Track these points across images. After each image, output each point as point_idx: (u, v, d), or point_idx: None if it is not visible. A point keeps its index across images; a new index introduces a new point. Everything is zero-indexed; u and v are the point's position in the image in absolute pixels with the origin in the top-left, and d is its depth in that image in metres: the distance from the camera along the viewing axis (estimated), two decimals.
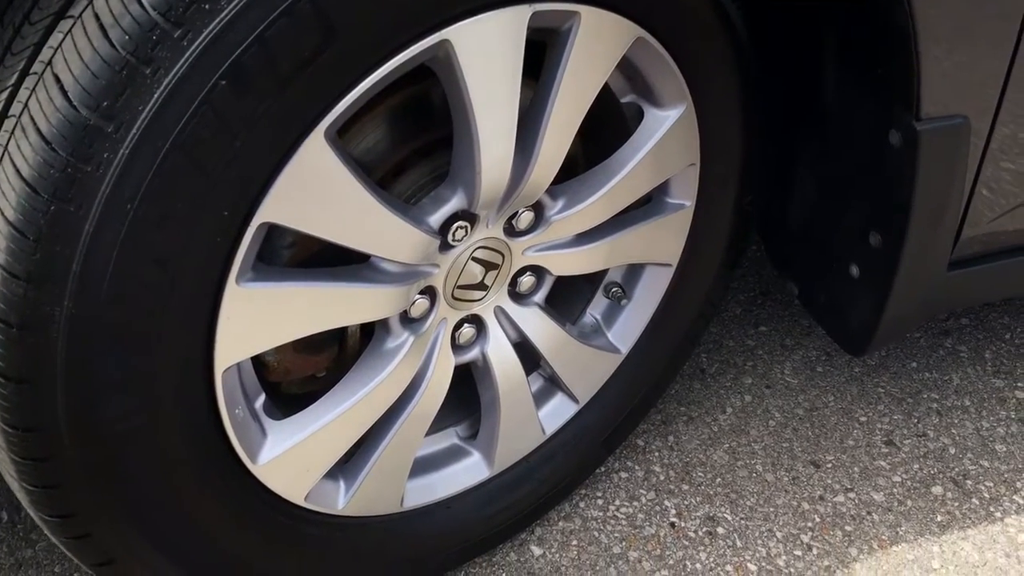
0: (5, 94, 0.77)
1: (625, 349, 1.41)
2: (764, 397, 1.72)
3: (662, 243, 1.33)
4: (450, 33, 0.90)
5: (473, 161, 1.02)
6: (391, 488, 1.24)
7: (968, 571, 1.43)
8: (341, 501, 1.19)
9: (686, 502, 1.53)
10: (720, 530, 1.49)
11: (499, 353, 1.25)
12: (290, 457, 1.07)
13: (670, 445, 1.63)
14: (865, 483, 1.56)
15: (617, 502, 1.54)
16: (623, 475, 1.58)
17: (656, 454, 1.61)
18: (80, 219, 0.77)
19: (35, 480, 0.88)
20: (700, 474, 1.58)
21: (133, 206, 0.77)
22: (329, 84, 0.83)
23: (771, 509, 1.52)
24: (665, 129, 1.20)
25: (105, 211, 0.76)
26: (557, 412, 1.41)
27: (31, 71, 0.76)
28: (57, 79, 0.75)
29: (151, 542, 0.97)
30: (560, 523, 1.50)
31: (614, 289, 1.39)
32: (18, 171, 0.76)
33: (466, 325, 1.22)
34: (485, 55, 0.94)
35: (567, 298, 1.39)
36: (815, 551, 1.46)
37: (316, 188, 0.89)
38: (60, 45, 0.75)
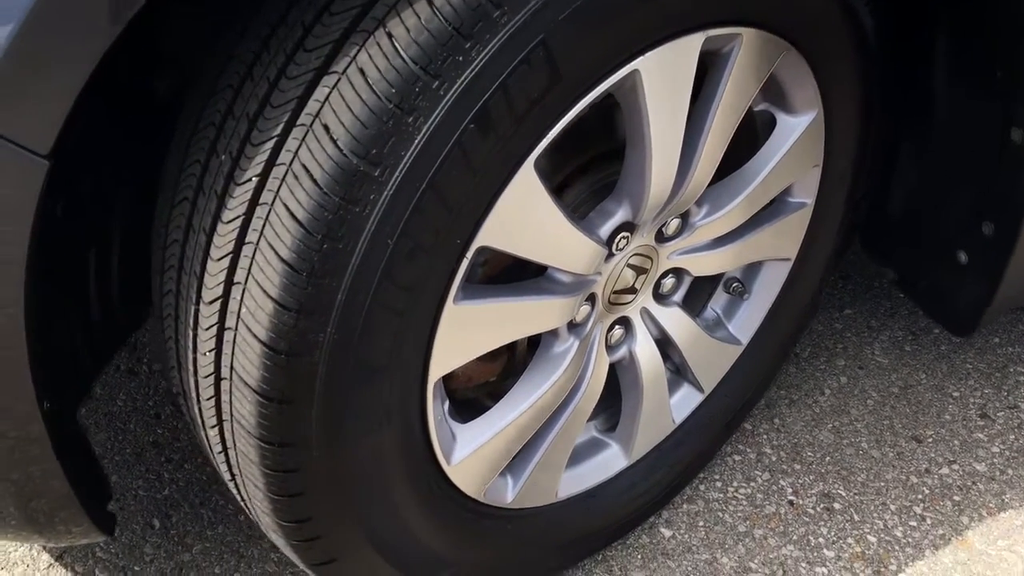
0: (271, 143, 0.85)
1: (745, 340, 1.50)
2: (859, 377, 1.81)
3: (784, 240, 1.42)
4: (639, 63, 0.98)
5: (643, 176, 1.10)
6: (550, 481, 1.32)
7: None
8: (509, 495, 1.27)
9: (800, 481, 1.62)
10: (836, 505, 1.58)
11: (644, 350, 1.33)
12: (476, 456, 1.16)
13: (776, 427, 1.72)
14: (966, 455, 1.66)
15: (735, 484, 1.63)
16: (736, 458, 1.67)
17: (764, 437, 1.70)
18: (347, 255, 0.84)
19: (282, 490, 0.97)
20: (809, 454, 1.67)
21: (392, 240, 0.85)
22: (546, 119, 0.91)
23: (882, 484, 1.61)
24: (798, 135, 1.28)
25: (369, 247, 0.84)
26: (684, 402, 1.49)
27: (297, 123, 0.84)
28: (327, 129, 0.82)
29: (372, 542, 1.06)
30: (684, 506, 1.59)
31: (735, 284, 1.47)
32: (292, 214, 0.83)
33: (616, 327, 1.30)
34: (664, 80, 1.02)
35: (691, 295, 1.48)
36: (928, 521, 1.56)
37: (523, 212, 0.97)
38: (327, 99, 0.82)
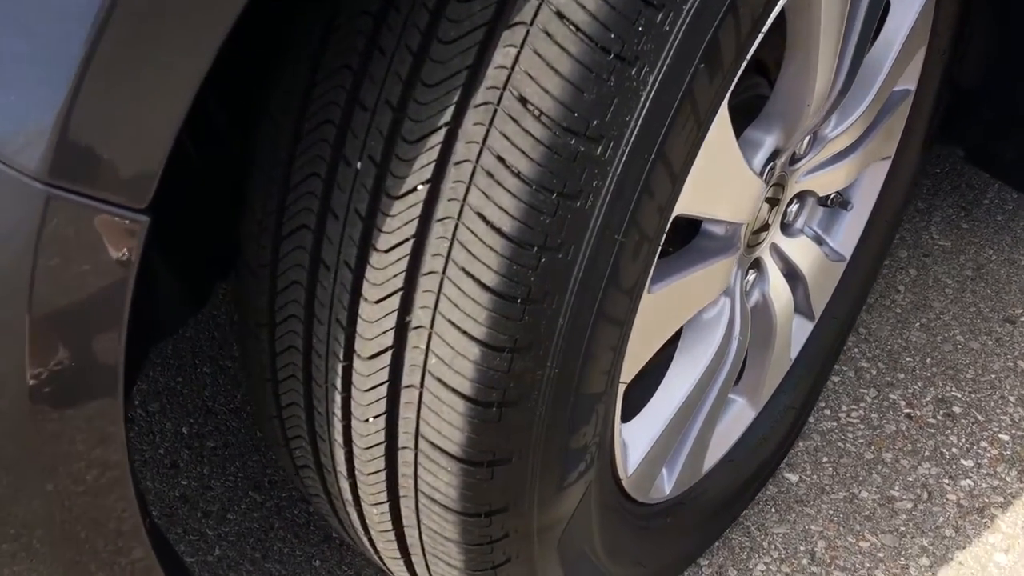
0: (440, 135, 0.62)
1: (848, 254, 1.36)
2: (927, 266, 1.71)
3: (890, 136, 1.27)
4: None
5: (804, 93, 0.91)
6: (700, 459, 1.16)
7: None
8: (668, 488, 1.11)
9: (909, 390, 1.51)
10: (956, 409, 1.48)
11: (777, 289, 1.17)
12: (648, 458, 0.98)
13: (863, 338, 1.60)
14: None
15: (844, 408, 1.51)
16: (835, 379, 1.54)
17: (856, 350, 1.58)
18: (569, 266, 0.63)
19: (486, 563, 0.77)
20: (907, 359, 1.56)
21: (620, 235, 0.64)
22: (751, 44, 0.71)
23: (992, 376, 1.52)
24: (914, 17, 1.11)
25: (595, 250, 0.63)
26: (798, 334, 1.35)
27: (475, 101, 0.61)
28: (524, 102, 0.60)
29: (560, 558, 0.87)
30: (800, 444, 1.46)
31: (834, 196, 1.32)
32: (493, 225, 0.61)
33: (750, 271, 1.13)
34: None
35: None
36: None
37: (714, 163, 0.78)
38: (516, 61, 0.60)
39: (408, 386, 0.68)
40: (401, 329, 0.67)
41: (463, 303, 0.63)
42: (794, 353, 1.34)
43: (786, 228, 1.17)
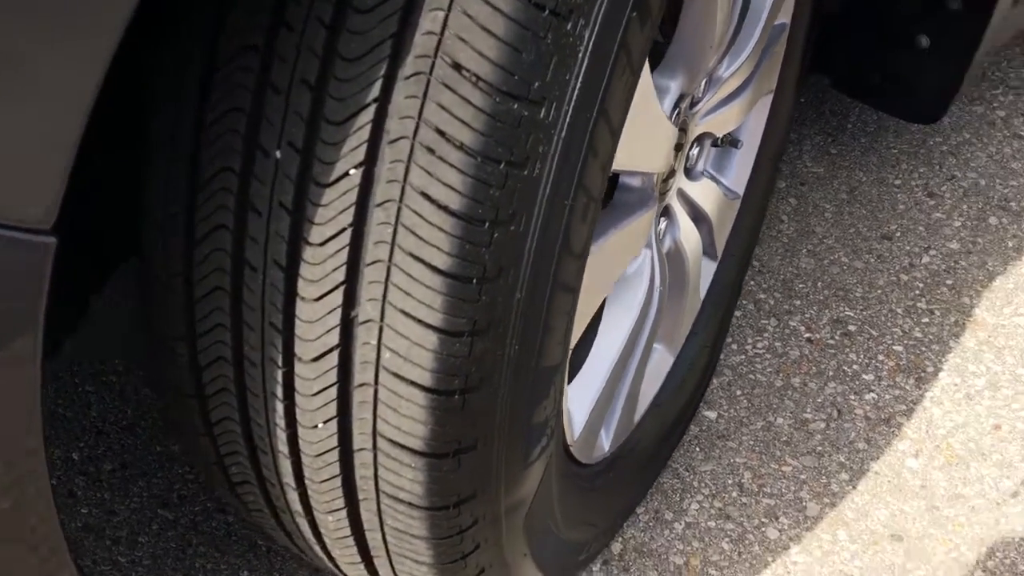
0: (369, 112, 0.56)
1: (741, 191, 1.38)
2: (805, 194, 1.76)
3: (772, 71, 1.28)
4: None
5: (705, 35, 0.90)
6: (632, 413, 1.16)
7: None
8: (607, 444, 1.10)
9: (807, 315, 1.56)
10: (851, 328, 1.54)
11: (686, 234, 1.17)
12: (590, 420, 0.97)
13: (757, 270, 1.64)
14: (936, 237, 1.67)
15: (750, 341, 1.54)
16: (737, 314, 1.57)
17: (752, 283, 1.62)
18: (523, 237, 0.60)
19: (455, 554, 0.73)
20: (800, 286, 1.61)
21: (569, 200, 0.61)
22: None
23: (879, 291, 1.59)
24: None
25: (547, 218, 0.60)
26: (704, 276, 1.36)
27: (404, 73, 0.56)
28: (459, 68, 0.55)
29: (534, 558, 0.85)
30: (714, 381, 1.49)
31: (724, 135, 1.33)
32: (439, 203, 0.57)
33: (661, 219, 1.12)
34: None
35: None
36: (937, 312, 1.55)
37: (638, 113, 0.75)
38: (445, 24, 0.55)
39: (360, 385, 0.63)
40: (347, 326, 0.62)
41: (415, 290, 0.59)
42: (703, 294, 1.36)
43: (689, 172, 1.17)
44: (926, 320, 1.54)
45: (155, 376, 0.75)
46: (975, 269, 1.61)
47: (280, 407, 0.67)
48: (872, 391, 1.46)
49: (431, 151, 0.57)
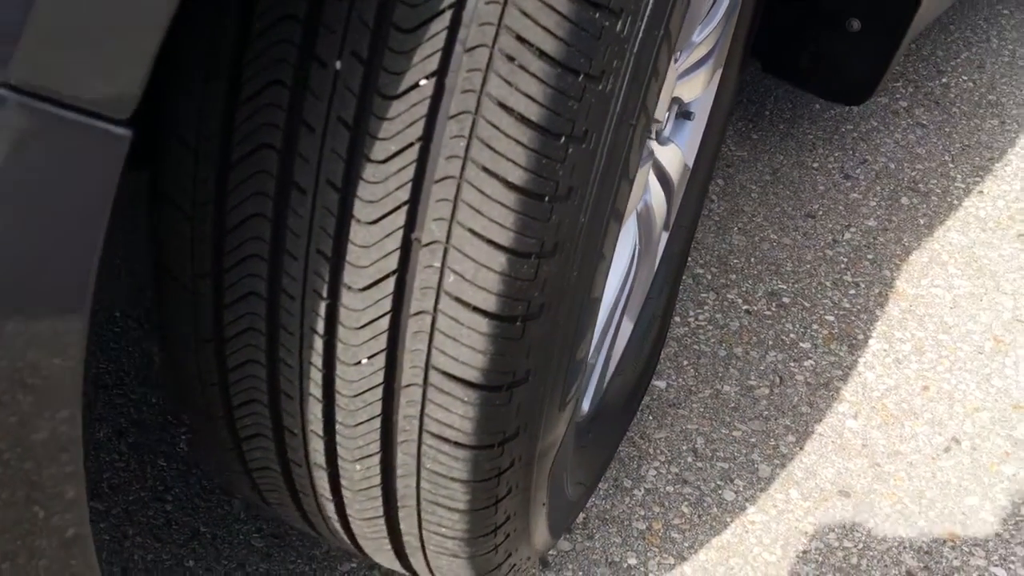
0: (447, 16, 0.54)
1: (691, 163, 1.41)
2: (732, 175, 1.82)
3: (726, 44, 1.31)
4: None
5: None
6: (605, 374, 1.16)
7: (966, 254, 1.69)
8: (586, 404, 1.09)
9: (743, 288, 1.61)
10: (785, 300, 1.60)
11: (655, 197, 1.19)
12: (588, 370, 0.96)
13: (694, 247, 1.68)
14: (854, 215, 1.75)
15: (692, 313, 1.58)
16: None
17: (690, 260, 1.65)
18: (590, 156, 0.58)
19: (490, 498, 0.71)
20: (735, 261, 1.66)
21: (634, 121, 0.60)
22: None
23: (808, 265, 1.65)
24: None
25: (614, 137, 0.59)
26: (659, 244, 1.38)
27: None
28: None
29: (547, 517, 0.83)
30: (661, 353, 1.51)
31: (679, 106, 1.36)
32: (520, 116, 0.55)
33: None
34: None
35: None
36: (862, 285, 1.63)
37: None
38: None
39: (417, 313, 0.60)
40: (407, 249, 0.59)
41: (487, 208, 0.57)
42: (656, 263, 1.38)
43: (658, 136, 1.18)
44: (852, 292, 1.62)
45: (165, 321, 0.69)
46: (892, 245, 1.70)
47: (319, 344, 0.63)
48: (810, 358, 1.51)
49: (511, 59, 0.55)
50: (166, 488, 1.30)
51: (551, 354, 0.65)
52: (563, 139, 0.57)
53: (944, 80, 2.10)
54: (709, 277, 1.63)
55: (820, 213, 1.75)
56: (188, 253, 0.64)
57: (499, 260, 0.58)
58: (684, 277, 1.61)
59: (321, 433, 0.69)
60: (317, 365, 0.64)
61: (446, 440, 0.65)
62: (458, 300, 0.59)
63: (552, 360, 0.65)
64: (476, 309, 0.59)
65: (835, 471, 1.37)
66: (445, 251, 0.58)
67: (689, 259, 1.64)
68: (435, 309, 0.60)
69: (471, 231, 0.58)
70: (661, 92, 0.66)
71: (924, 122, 1.97)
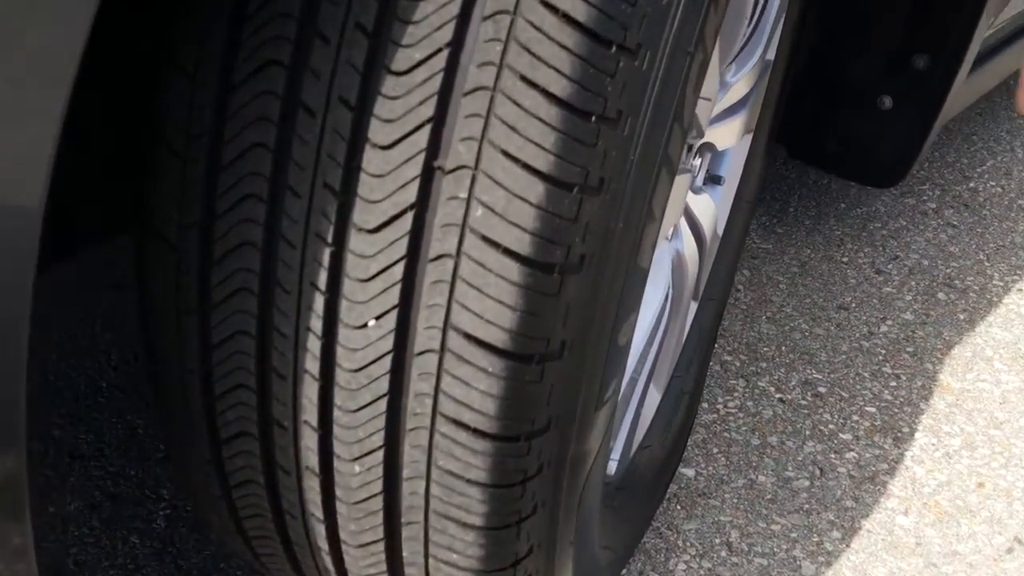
0: None
1: (721, 231, 1.33)
2: (757, 267, 1.75)
3: (757, 105, 1.27)
4: None
5: (741, 16, 0.87)
6: (632, 440, 1.04)
7: (1011, 349, 1.59)
8: (612, 467, 0.97)
9: (775, 376, 1.50)
10: (821, 389, 1.49)
11: (687, 246, 1.10)
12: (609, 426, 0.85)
13: (720, 334, 1.58)
14: (890, 309, 1.66)
15: (720, 400, 1.46)
16: None
17: (716, 346, 1.55)
18: (644, 78, 0.51)
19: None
20: (765, 349, 1.56)
21: (691, 48, 0.53)
22: None
23: (843, 356, 1.55)
24: None
25: (670, 60, 0.51)
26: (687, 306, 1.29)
27: None
28: None
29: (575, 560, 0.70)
30: (688, 440, 1.39)
31: (708, 172, 1.30)
32: (566, 15, 0.47)
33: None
34: None
35: None
36: (903, 376, 1.52)
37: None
38: None
39: (437, 258, 0.51)
40: (428, 178, 0.50)
41: (524, 125, 0.48)
42: (685, 333, 1.28)
43: (692, 183, 1.11)
44: (894, 384, 1.51)
45: (143, 291, 0.60)
46: (932, 338, 1.60)
47: (319, 303, 0.54)
48: (852, 450, 1.39)
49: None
50: (137, 567, 1.16)
51: (591, 323, 0.55)
52: (613, 48, 0.49)
53: (971, 185, 2.06)
54: (738, 364, 1.52)
55: (853, 305, 1.67)
56: (176, 199, 0.55)
57: (536, 190, 0.49)
58: (711, 364, 1.51)
59: (315, 424, 0.58)
60: (316, 331, 0.54)
61: (464, 426, 0.55)
62: (486, 240, 0.50)
63: (591, 332, 0.55)
64: (507, 251, 0.50)
65: (887, 571, 1.22)
66: (473, 179, 0.50)
67: (716, 346, 1.54)
68: (458, 252, 0.51)
69: (504, 152, 0.49)
70: (717, 36, 0.60)
71: (955, 223, 1.91)
